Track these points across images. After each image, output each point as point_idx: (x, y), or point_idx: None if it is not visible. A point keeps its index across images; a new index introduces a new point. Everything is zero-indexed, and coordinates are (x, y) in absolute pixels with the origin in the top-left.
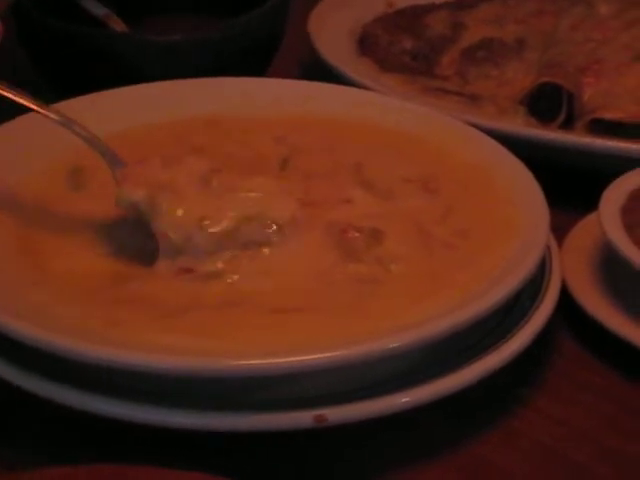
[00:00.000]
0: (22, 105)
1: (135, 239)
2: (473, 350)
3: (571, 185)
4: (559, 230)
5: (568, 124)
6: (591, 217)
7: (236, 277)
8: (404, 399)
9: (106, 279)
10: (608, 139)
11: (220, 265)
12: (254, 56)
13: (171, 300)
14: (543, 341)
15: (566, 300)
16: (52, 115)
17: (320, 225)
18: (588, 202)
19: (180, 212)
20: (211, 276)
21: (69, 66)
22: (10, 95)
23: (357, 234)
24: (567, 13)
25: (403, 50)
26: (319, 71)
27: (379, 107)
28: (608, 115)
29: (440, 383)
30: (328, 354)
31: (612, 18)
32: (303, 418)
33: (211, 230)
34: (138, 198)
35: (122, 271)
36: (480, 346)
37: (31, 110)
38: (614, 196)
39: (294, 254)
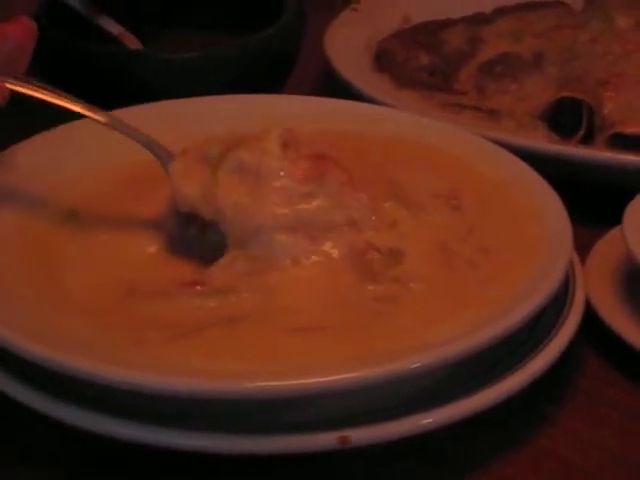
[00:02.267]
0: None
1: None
2: (497, 369)
3: (593, 200)
4: (582, 246)
5: (588, 139)
6: (614, 232)
7: (248, 294)
8: (428, 420)
9: (119, 295)
10: (629, 154)
11: (232, 281)
12: (270, 73)
13: (184, 317)
14: (567, 358)
15: (590, 317)
16: (102, 119)
17: (341, 242)
18: (610, 217)
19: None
20: (222, 292)
21: (83, 84)
22: (63, 103)
23: (377, 254)
24: (586, 27)
25: (420, 66)
26: (335, 87)
27: (399, 123)
28: (629, 129)
29: (465, 403)
30: (352, 374)
31: (631, 31)
32: (326, 440)
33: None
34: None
35: (134, 287)
36: (504, 365)
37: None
38: (637, 212)
39: (309, 273)
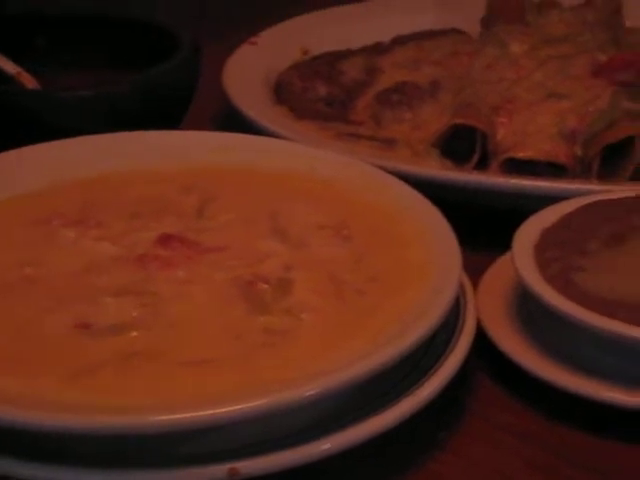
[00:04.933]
0: None
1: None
2: (389, 395)
3: (489, 225)
4: (477, 270)
5: (483, 164)
6: (506, 256)
7: (139, 331)
8: (318, 448)
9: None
10: (522, 178)
11: (120, 318)
12: (166, 109)
13: (78, 357)
14: (460, 383)
15: (483, 341)
16: None
17: (229, 276)
18: (505, 242)
19: None
20: (112, 330)
21: None
22: None
23: (265, 285)
24: (480, 53)
25: (318, 97)
26: (234, 122)
27: (291, 154)
28: (521, 154)
29: (356, 430)
30: (242, 405)
31: (525, 57)
32: (218, 471)
33: None
34: None
35: (22, 331)
36: (396, 391)
37: None
38: (527, 235)
39: (199, 307)
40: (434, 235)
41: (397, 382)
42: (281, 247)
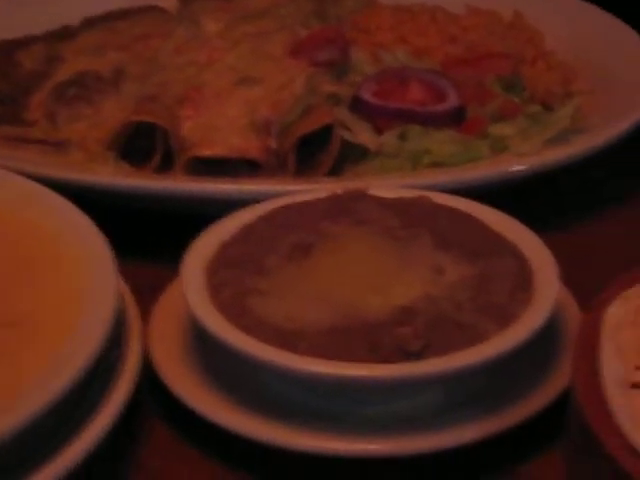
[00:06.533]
0: None
1: None
2: (34, 458)
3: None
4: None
5: (169, 164)
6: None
7: None
8: None
9: None
10: (201, 180)
11: None
12: None
13: None
14: (133, 430)
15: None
16: None
17: None
18: None
19: None
20: None
21: None
22: None
23: None
24: (172, 35)
25: None
26: None
27: None
28: (207, 152)
29: None
30: None
31: (219, 37)
32: None
33: None
34: None
35: None
36: (41, 452)
37: None
38: (201, 251)
39: None
40: (90, 259)
41: (42, 442)
42: None
